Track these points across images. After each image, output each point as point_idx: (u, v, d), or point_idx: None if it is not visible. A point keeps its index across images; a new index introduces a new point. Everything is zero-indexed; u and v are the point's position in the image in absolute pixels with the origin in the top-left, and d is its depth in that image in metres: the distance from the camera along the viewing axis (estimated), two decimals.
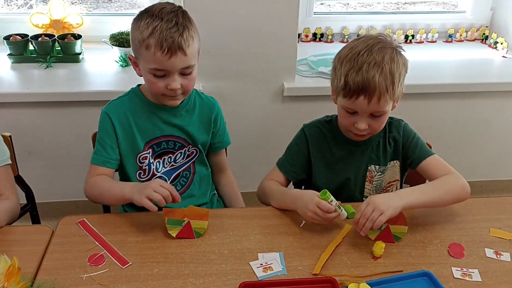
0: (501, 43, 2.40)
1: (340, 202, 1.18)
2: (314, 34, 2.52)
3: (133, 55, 1.29)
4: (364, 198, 1.36)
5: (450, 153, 2.42)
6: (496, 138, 2.40)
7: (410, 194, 1.17)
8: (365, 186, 1.36)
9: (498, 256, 1.14)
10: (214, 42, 1.94)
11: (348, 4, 2.57)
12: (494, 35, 2.48)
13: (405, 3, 2.67)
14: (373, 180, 1.35)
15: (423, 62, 2.37)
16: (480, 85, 2.23)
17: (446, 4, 2.74)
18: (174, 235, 1.16)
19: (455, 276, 1.07)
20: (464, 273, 1.08)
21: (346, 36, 2.52)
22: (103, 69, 2.11)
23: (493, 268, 1.10)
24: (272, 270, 1.08)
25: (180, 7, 1.27)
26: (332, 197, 1.15)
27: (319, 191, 1.40)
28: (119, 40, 2.11)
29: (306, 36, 2.51)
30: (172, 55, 1.20)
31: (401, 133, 1.32)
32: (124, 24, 2.20)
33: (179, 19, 1.22)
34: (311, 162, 1.37)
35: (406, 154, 1.32)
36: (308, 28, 2.50)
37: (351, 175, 1.35)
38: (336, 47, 2.48)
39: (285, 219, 1.25)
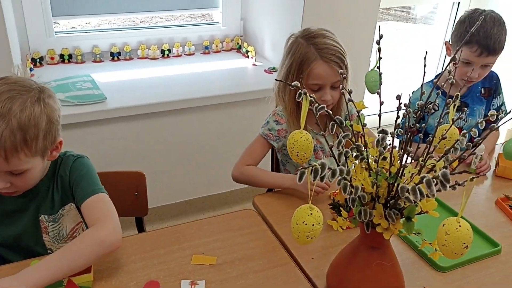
0: (251, 52, 2.50)
1: None
2: (62, 56, 2.31)
3: None
4: (48, 251, 1.20)
5: (211, 166, 2.42)
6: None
7: (34, 273, 0.96)
8: (44, 238, 1.20)
9: (193, 286, 1.09)
10: None
11: (89, 23, 2.41)
12: (245, 44, 2.57)
13: (160, 17, 2.63)
14: (48, 231, 1.19)
15: (181, 76, 2.34)
16: (235, 95, 2.27)
17: (205, 16, 2.77)
18: None
19: None
20: None
21: (98, 55, 2.36)
22: None
23: None
24: None
25: None
26: None
27: None
28: None
29: (52, 58, 2.28)
30: None
31: (68, 172, 1.16)
32: None
33: None
34: None
35: (74, 195, 1.16)
36: (53, 49, 2.27)
37: (24, 229, 1.18)
38: (89, 68, 2.31)
39: None
